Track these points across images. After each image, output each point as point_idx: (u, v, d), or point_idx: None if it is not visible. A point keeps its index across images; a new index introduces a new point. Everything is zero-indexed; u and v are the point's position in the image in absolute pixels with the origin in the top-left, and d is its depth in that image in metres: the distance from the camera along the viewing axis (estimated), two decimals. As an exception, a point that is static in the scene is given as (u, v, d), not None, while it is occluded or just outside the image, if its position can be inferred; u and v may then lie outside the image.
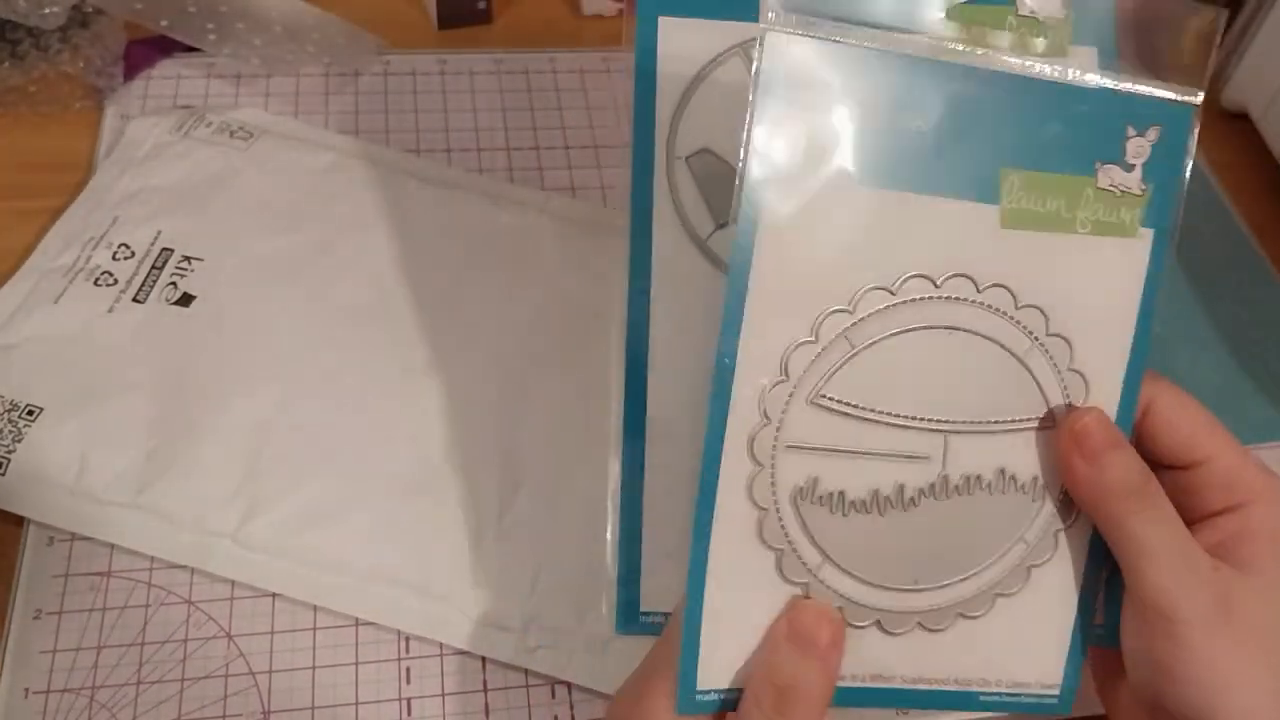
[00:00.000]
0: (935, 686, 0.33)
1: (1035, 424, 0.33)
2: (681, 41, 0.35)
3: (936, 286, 0.31)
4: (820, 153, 0.29)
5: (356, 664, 0.40)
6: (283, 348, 0.45)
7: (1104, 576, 0.34)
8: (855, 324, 0.31)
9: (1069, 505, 0.33)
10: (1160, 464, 0.34)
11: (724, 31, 0.35)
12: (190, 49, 0.56)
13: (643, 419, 0.36)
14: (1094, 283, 0.32)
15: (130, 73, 0.56)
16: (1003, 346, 0.32)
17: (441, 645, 0.41)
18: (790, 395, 0.30)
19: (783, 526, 0.31)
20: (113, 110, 0.55)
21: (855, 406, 0.31)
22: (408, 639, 0.41)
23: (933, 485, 0.32)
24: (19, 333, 0.45)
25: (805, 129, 0.29)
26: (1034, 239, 0.31)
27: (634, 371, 0.36)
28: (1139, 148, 0.31)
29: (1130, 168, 0.31)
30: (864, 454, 0.31)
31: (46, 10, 0.51)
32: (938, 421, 0.32)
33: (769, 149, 0.29)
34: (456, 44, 0.61)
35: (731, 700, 0.31)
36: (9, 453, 0.42)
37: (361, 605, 0.41)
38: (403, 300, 0.48)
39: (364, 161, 0.53)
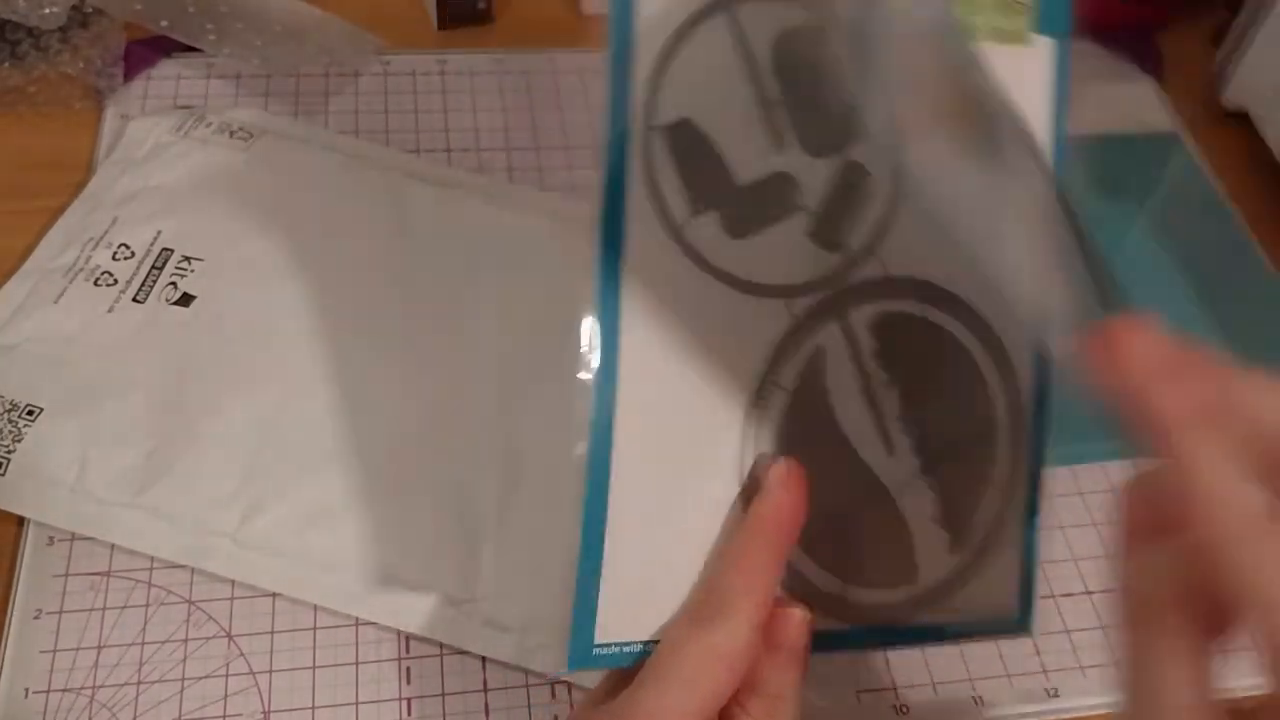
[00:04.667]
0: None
1: None
2: None
3: None
4: None
5: (356, 664, 0.40)
6: (283, 348, 0.45)
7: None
8: None
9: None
10: None
11: None
12: (190, 49, 0.56)
13: (608, 432, 0.31)
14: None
15: (130, 73, 0.56)
16: None
17: (441, 645, 0.41)
18: None
19: None
20: (113, 110, 0.55)
21: None
22: (408, 639, 0.41)
23: None
24: (19, 333, 0.45)
25: None
26: None
27: (604, 380, 0.31)
28: None
29: None
30: None
31: (46, 10, 0.51)
32: None
33: None
34: (456, 44, 0.61)
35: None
36: (9, 453, 0.42)
37: (361, 605, 0.41)
38: (402, 300, 0.48)
39: (364, 161, 0.53)
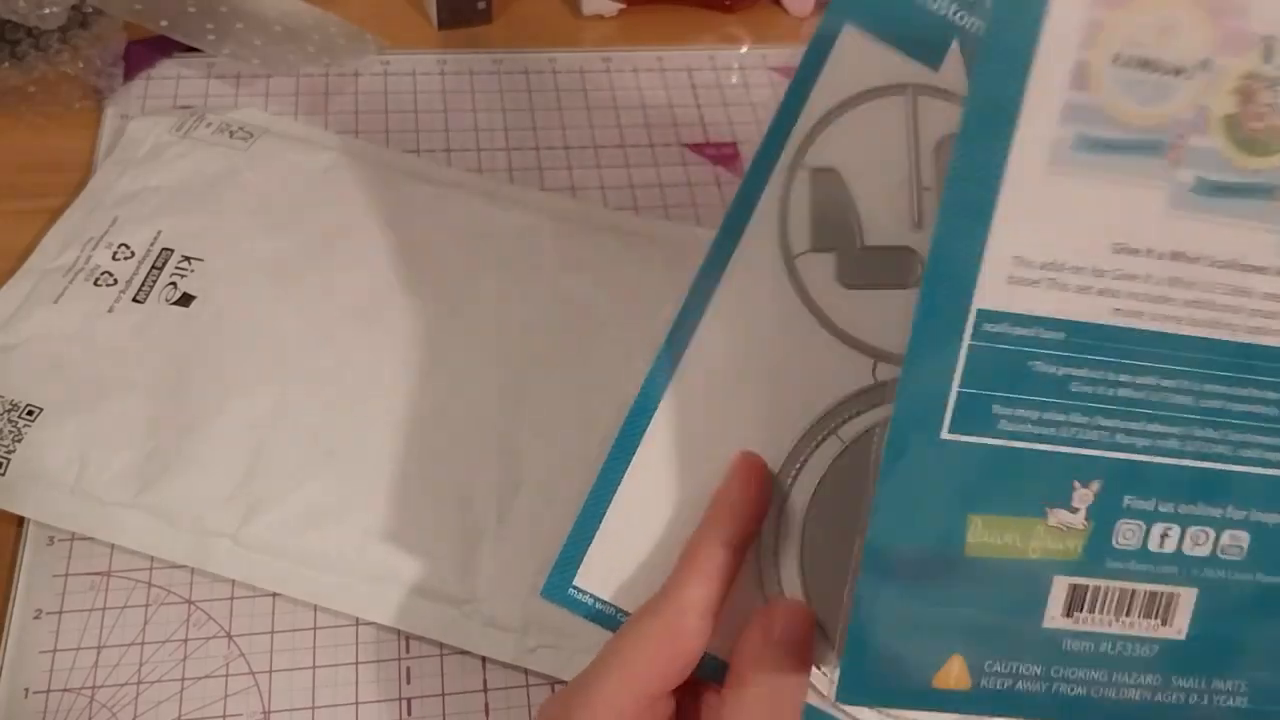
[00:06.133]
0: None
1: None
2: (855, 58, 0.33)
3: None
4: None
5: (356, 664, 0.40)
6: (283, 348, 0.45)
7: None
8: None
9: None
10: None
11: (900, 67, 0.33)
12: (190, 49, 0.56)
13: (654, 403, 0.33)
14: None
15: (130, 73, 0.56)
16: None
17: (441, 645, 0.41)
18: None
19: None
20: (112, 110, 0.55)
21: None
22: (408, 639, 0.41)
23: None
24: (19, 333, 0.45)
25: None
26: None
27: (669, 351, 0.33)
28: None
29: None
30: None
31: (46, 10, 0.51)
32: None
33: None
34: (456, 44, 0.61)
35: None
36: (9, 453, 0.42)
37: (361, 605, 0.41)
38: (402, 300, 0.48)
39: (364, 161, 0.53)
